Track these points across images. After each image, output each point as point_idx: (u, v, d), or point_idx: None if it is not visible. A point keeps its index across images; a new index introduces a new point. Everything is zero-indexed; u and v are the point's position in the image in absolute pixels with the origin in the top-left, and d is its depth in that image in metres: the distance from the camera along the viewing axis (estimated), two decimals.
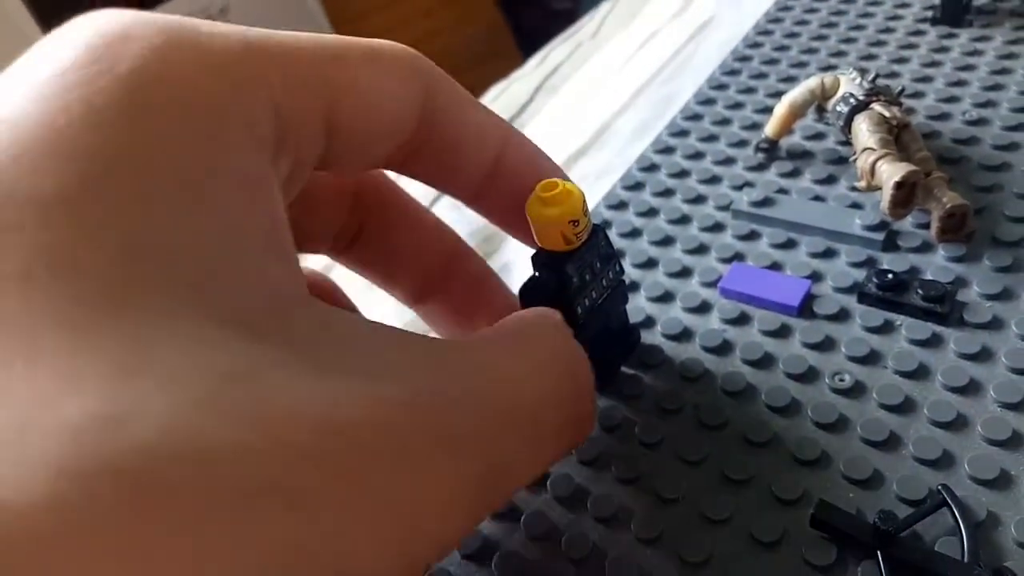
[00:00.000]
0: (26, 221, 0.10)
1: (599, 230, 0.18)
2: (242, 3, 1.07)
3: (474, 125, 0.17)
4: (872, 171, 0.22)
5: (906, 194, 0.22)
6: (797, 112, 0.26)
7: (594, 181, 0.30)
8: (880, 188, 0.22)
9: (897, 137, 0.24)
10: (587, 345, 0.20)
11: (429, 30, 1.24)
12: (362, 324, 0.13)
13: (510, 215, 0.18)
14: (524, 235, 0.19)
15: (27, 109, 0.11)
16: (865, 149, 0.23)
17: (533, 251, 0.18)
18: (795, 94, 0.26)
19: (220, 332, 0.10)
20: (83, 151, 0.10)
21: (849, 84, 0.25)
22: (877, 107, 0.24)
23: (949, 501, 0.17)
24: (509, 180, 0.17)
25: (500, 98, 0.38)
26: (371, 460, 0.11)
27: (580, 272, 0.18)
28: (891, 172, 0.22)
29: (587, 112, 0.34)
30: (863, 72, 0.25)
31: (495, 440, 0.13)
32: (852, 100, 0.24)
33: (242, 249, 0.11)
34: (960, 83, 0.29)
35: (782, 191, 0.26)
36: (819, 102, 0.26)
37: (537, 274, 0.18)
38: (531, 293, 0.18)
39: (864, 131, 0.23)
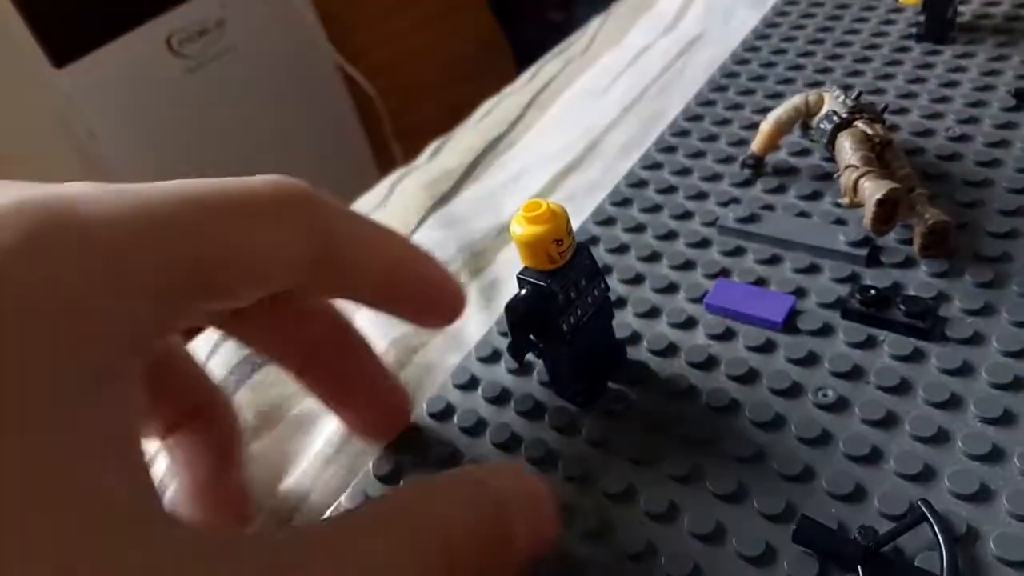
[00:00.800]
0: None
1: (583, 248, 0.19)
2: (238, 17, 1.07)
3: (369, 258, 0.17)
4: (855, 188, 0.23)
5: (888, 211, 0.22)
6: (782, 129, 0.27)
7: (583, 197, 0.30)
8: (863, 205, 0.22)
9: (880, 154, 0.24)
10: (574, 361, 0.20)
11: (425, 43, 1.24)
12: (196, 543, 0.12)
13: (414, 312, 0.19)
14: (437, 322, 0.19)
15: None
16: (848, 166, 0.23)
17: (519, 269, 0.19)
18: (780, 111, 0.26)
19: (25, 554, 0.10)
20: None
21: (833, 102, 0.25)
22: (860, 124, 0.24)
23: (929, 516, 0.17)
24: (405, 287, 0.18)
25: (492, 113, 0.38)
26: None
27: (565, 290, 0.18)
28: (873, 189, 0.22)
29: (577, 128, 0.34)
30: (847, 90, 0.25)
31: None
32: (835, 118, 0.24)
33: (68, 464, 0.11)
34: (943, 99, 0.29)
35: (768, 207, 0.26)
36: (804, 119, 0.26)
37: (523, 292, 0.18)
38: (516, 310, 0.19)
39: (847, 148, 0.24)
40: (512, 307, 0.19)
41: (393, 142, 1.20)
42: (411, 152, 0.38)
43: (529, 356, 0.21)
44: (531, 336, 0.19)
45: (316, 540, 0.13)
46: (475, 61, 1.25)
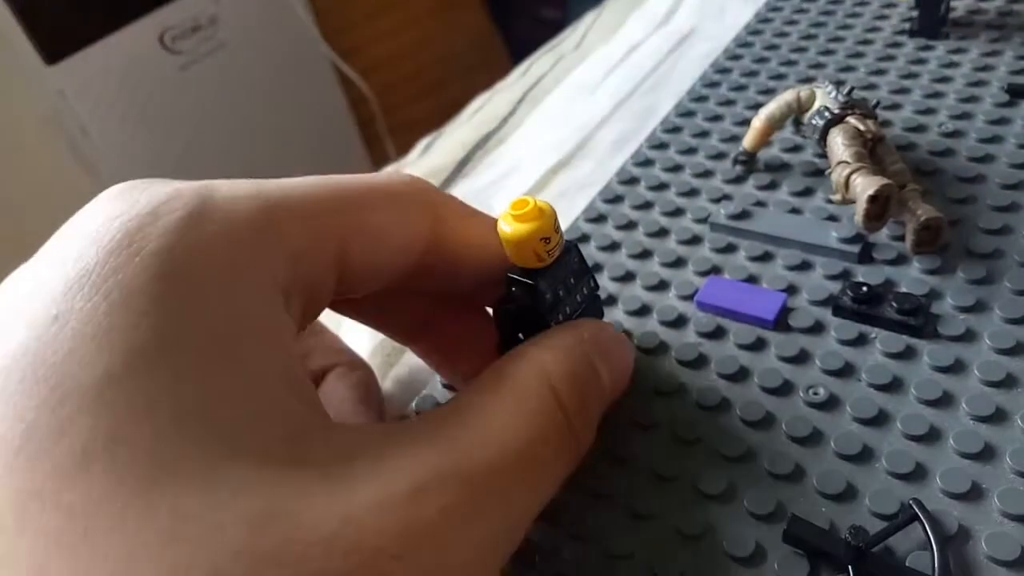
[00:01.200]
0: (84, 407, 0.11)
1: (572, 247, 0.18)
2: (231, 13, 1.07)
3: (478, 244, 0.18)
4: (847, 184, 0.23)
5: (880, 207, 0.22)
6: (774, 125, 0.26)
7: (575, 193, 0.30)
8: (855, 201, 0.22)
9: (872, 150, 0.24)
10: None
11: (419, 39, 1.24)
12: (369, 434, 0.14)
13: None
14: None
15: (74, 303, 0.12)
16: (840, 163, 0.23)
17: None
18: (772, 108, 0.26)
19: (248, 475, 0.12)
20: (122, 336, 0.12)
21: (824, 97, 0.25)
22: (852, 120, 0.24)
23: (920, 515, 0.17)
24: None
25: (483, 109, 0.38)
26: (390, 564, 0.12)
27: (553, 288, 0.18)
28: (865, 185, 0.22)
29: (568, 124, 0.34)
30: (839, 85, 0.25)
31: (502, 498, 0.14)
32: (827, 114, 0.24)
33: (263, 393, 0.13)
34: (936, 95, 0.29)
35: (759, 203, 0.26)
36: (796, 115, 0.26)
37: (513, 290, 0.18)
38: (505, 310, 0.18)
39: (839, 144, 0.23)
40: (502, 307, 0.19)
41: (387, 138, 1.20)
42: (405, 148, 0.38)
43: None
44: (520, 335, 0.19)
45: (456, 415, 0.15)
46: (468, 58, 1.24)
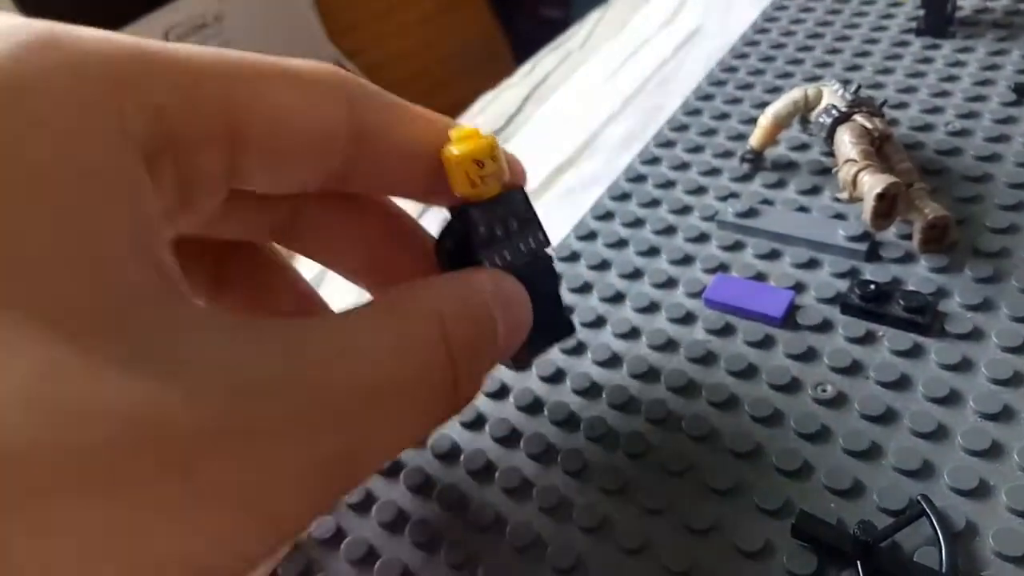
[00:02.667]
0: None
1: (519, 192, 0.18)
2: (237, 11, 1.07)
3: (409, 137, 0.17)
4: (854, 183, 0.23)
5: (887, 206, 0.22)
6: (781, 124, 0.27)
7: (582, 191, 0.30)
8: (862, 200, 0.22)
9: (879, 148, 0.24)
10: None
11: (424, 39, 1.24)
12: (216, 320, 0.13)
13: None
14: None
15: None
16: (847, 161, 0.23)
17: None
18: (779, 106, 0.26)
19: (47, 332, 0.11)
20: None
21: (832, 96, 0.25)
22: (859, 118, 0.24)
23: (928, 511, 0.17)
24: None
25: (489, 107, 0.38)
26: (189, 452, 0.11)
27: (488, 222, 0.17)
28: (872, 184, 0.22)
29: (576, 122, 0.34)
30: (846, 84, 0.25)
31: (346, 424, 0.13)
32: (834, 112, 0.24)
33: (91, 252, 0.11)
34: (943, 94, 0.29)
35: (767, 202, 0.26)
36: (802, 113, 0.26)
37: (449, 221, 0.18)
38: (441, 242, 0.18)
39: (846, 143, 0.23)
40: (438, 239, 0.18)
41: None
42: None
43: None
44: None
45: (328, 330, 0.14)
46: (473, 57, 1.24)
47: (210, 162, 0.14)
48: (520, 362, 0.20)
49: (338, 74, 0.16)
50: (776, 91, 0.31)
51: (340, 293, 0.26)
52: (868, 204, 0.22)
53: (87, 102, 0.12)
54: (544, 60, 0.40)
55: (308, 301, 0.20)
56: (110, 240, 0.12)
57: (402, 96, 0.17)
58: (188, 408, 0.11)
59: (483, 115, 0.38)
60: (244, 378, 0.12)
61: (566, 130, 0.34)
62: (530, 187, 0.32)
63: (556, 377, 0.22)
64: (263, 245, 0.20)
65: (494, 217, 0.17)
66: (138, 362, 0.11)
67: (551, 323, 0.20)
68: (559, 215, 0.29)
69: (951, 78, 0.30)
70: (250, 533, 0.12)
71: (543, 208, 0.30)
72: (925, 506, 0.17)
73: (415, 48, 1.24)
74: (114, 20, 0.96)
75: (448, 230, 0.18)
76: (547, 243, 0.18)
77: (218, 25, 1.07)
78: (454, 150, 0.16)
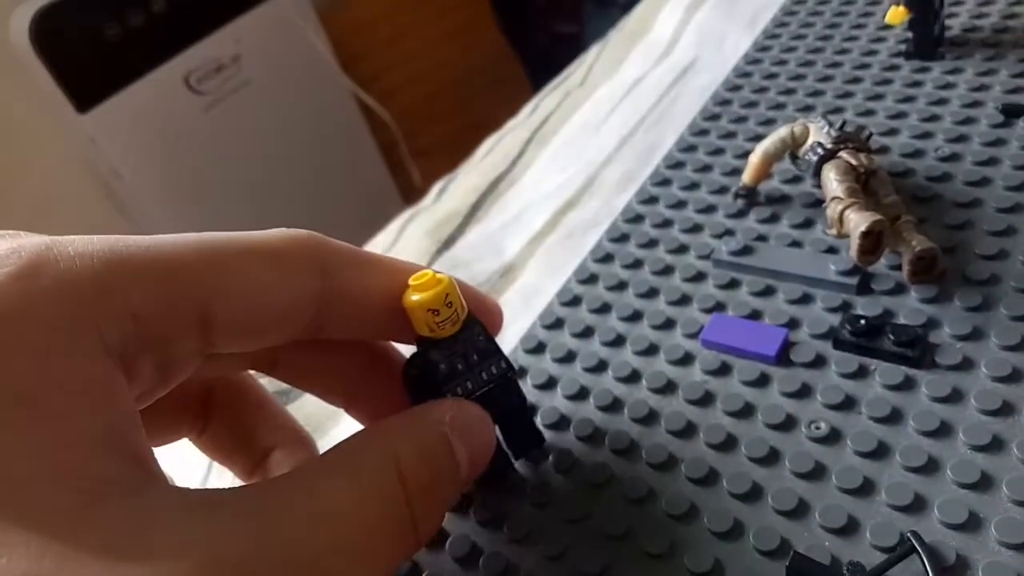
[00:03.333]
0: None
1: (476, 324, 0.19)
2: (253, 52, 1.10)
3: (378, 291, 0.18)
4: (841, 220, 0.23)
5: (873, 242, 0.23)
6: (771, 161, 0.27)
7: (582, 234, 0.31)
8: (850, 236, 0.23)
9: (865, 183, 0.25)
10: None
11: (436, 63, 1.26)
12: (188, 500, 0.14)
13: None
14: None
15: None
16: (833, 198, 0.24)
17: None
18: (767, 143, 0.27)
19: (33, 538, 0.12)
20: None
21: (817, 133, 0.26)
22: (844, 155, 0.25)
23: (918, 548, 0.17)
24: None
25: (494, 151, 0.39)
26: None
27: (449, 360, 0.19)
28: (858, 222, 0.23)
29: (575, 163, 0.35)
30: (831, 121, 0.26)
31: None
32: (820, 150, 0.25)
33: (66, 453, 0.13)
34: (933, 118, 0.30)
35: (761, 237, 0.27)
36: (791, 150, 0.27)
37: (412, 356, 0.20)
38: (407, 374, 0.20)
39: (832, 180, 0.24)
40: (404, 372, 0.20)
41: (410, 163, 1.22)
42: (428, 172, 0.40)
43: None
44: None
45: (285, 488, 0.15)
46: (486, 77, 1.26)
47: (184, 348, 0.16)
48: (489, 479, 0.21)
49: (311, 241, 0.17)
50: (769, 123, 0.32)
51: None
52: (854, 242, 0.23)
53: (66, 322, 0.14)
54: (546, 100, 0.42)
55: (289, 432, 0.22)
56: (86, 444, 0.13)
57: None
58: None
59: (489, 157, 0.39)
60: (217, 556, 0.13)
61: (567, 172, 0.35)
62: (533, 229, 0.33)
63: (560, 424, 0.23)
64: (245, 381, 0.21)
65: (454, 354, 0.19)
66: (113, 552, 0.12)
67: (520, 438, 0.22)
68: (561, 258, 0.30)
69: (940, 101, 0.30)
70: None
71: (546, 251, 0.32)
72: (915, 543, 0.17)
73: (427, 72, 1.26)
74: (136, 67, 1.00)
75: (412, 362, 0.20)
76: (509, 367, 0.20)
77: (235, 66, 1.10)
78: (413, 297, 0.18)
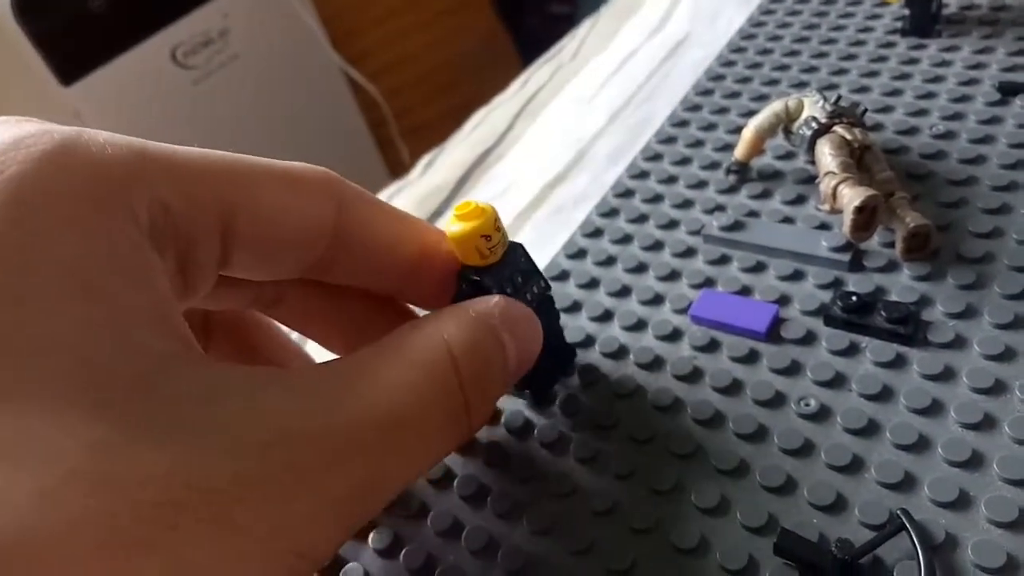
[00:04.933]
0: None
1: (518, 247, 0.20)
2: (241, 26, 1.08)
3: (388, 235, 0.18)
4: (834, 195, 0.23)
5: (867, 218, 0.22)
6: (764, 136, 0.27)
7: (571, 209, 0.30)
8: (843, 211, 0.23)
9: (860, 159, 0.24)
10: None
11: (428, 42, 1.25)
12: (235, 376, 0.14)
13: (434, 303, 0.20)
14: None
15: None
16: (827, 173, 0.23)
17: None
18: (761, 118, 0.27)
19: (88, 409, 0.12)
20: None
21: (812, 107, 0.25)
22: (839, 130, 0.24)
23: (907, 525, 0.17)
24: (430, 276, 0.19)
25: (482, 124, 0.38)
26: (228, 506, 0.12)
27: (499, 284, 0.19)
28: (851, 197, 0.22)
29: (565, 138, 0.34)
30: (826, 95, 0.25)
31: (365, 458, 0.14)
32: (814, 124, 0.25)
33: (121, 327, 0.13)
34: (928, 95, 0.29)
35: (752, 213, 0.26)
36: (784, 125, 0.27)
37: (462, 287, 0.19)
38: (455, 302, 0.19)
39: (826, 155, 0.24)
40: (454, 301, 0.19)
41: (400, 142, 1.21)
42: (417, 151, 0.39)
43: None
44: None
45: (342, 372, 0.15)
46: (478, 58, 1.25)
47: (205, 254, 0.16)
48: (539, 396, 0.22)
49: (328, 175, 0.17)
50: (763, 99, 0.31)
51: None
52: (847, 217, 0.22)
53: (102, 200, 0.14)
54: (537, 74, 0.41)
55: (294, 353, 0.22)
56: (134, 316, 0.13)
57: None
58: (224, 465, 0.12)
59: (477, 131, 0.38)
60: (271, 430, 0.13)
61: (556, 146, 0.34)
62: (521, 204, 0.32)
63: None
64: (396, 304, 0.21)
65: (503, 278, 0.19)
66: (174, 427, 0.12)
67: (560, 353, 0.22)
68: (549, 232, 0.30)
69: (936, 79, 0.30)
70: (283, 571, 0.13)
71: (534, 225, 0.31)
72: (904, 520, 0.17)
73: (419, 52, 1.24)
74: (122, 41, 0.98)
75: (461, 293, 0.19)
76: (548, 287, 0.20)
77: (223, 41, 1.09)
78: (461, 226, 0.18)
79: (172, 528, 0.11)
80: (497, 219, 0.18)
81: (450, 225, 0.18)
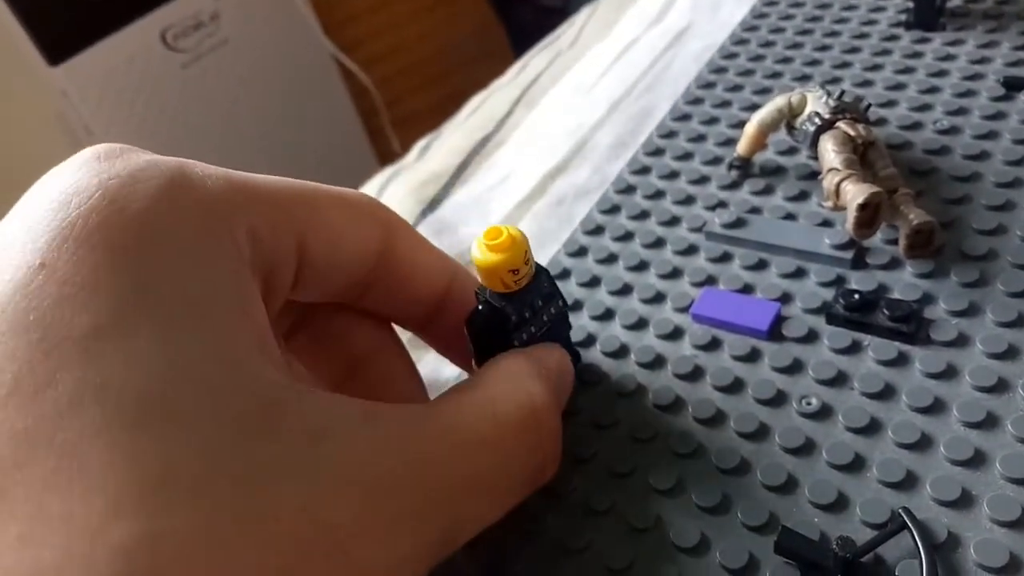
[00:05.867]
0: (73, 357, 0.12)
1: (542, 272, 0.19)
2: (232, 10, 1.07)
3: (424, 265, 0.19)
4: (837, 192, 0.23)
5: (870, 215, 0.22)
6: (766, 131, 0.27)
7: (573, 201, 0.30)
8: (846, 208, 0.22)
9: (863, 155, 0.24)
10: None
11: (420, 32, 1.23)
12: (343, 411, 0.15)
13: (452, 343, 0.21)
14: (462, 360, 0.21)
15: (60, 253, 0.13)
16: (830, 169, 0.23)
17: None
18: (763, 113, 0.26)
19: (226, 437, 0.13)
20: (108, 291, 0.13)
21: (815, 102, 0.25)
22: (842, 125, 0.24)
23: (909, 524, 0.17)
24: (453, 314, 0.20)
25: (480, 110, 0.38)
26: (349, 541, 0.13)
27: (519, 311, 0.19)
28: (855, 193, 0.22)
29: (565, 126, 0.34)
30: (829, 90, 0.25)
31: (453, 507, 0.15)
32: (817, 119, 0.24)
33: (239, 359, 0.14)
34: (932, 90, 0.29)
35: (755, 210, 0.26)
36: (787, 120, 0.26)
37: (479, 308, 0.19)
38: (473, 326, 0.20)
39: (829, 151, 0.24)
40: (470, 324, 0.20)
41: (391, 131, 1.20)
42: (408, 141, 0.39)
43: None
44: (490, 347, 0.20)
45: (436, 421, 0.16)
46: (470, 48, 1.24)
47: (282, 278, 0.17)
48: None
49: (375, 201, 0.19)
50: (765, 92, 0.31)
51: None
52: (851, 214, 0.22)
53: (212, 233, 0.15)
54: (535, 60, 0.40)
55: (381, 335, 0.21)
56: (254, 351, 0.14)
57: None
58: (343, 504, 0.13)
59: (474, 117, 0.38)
60: (373, 475, 0.14)
61: (556, 135, 0.34)
62: (521, 194, 0.32)
63: None
64: (398, 350, 0.21)
65: (523, 305, 0.19)
66: (298, 464, 0.13)
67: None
68: (550, 226, 0.29)
69: (940, 73, 0.30)
70: None
71: (535, 217, 0.31)
72: (906, 519, 0.17)
73: (412, 41, 1.23)
74: (111, 21, 0.96)
75: (479, 314, 0.19)
76: (565, 304, 0.20)
77: (214, 24, 1.07)
78: (489, 256, 0.18)
79: (305, 559, 0.12)
80: (527, 251, 0.18)
81: (478, 251, 0.18)
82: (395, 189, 0.34)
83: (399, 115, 1.20)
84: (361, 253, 0.18)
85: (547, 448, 0.17)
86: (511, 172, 0.33)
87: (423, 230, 0.31)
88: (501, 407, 0.17)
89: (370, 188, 0.35)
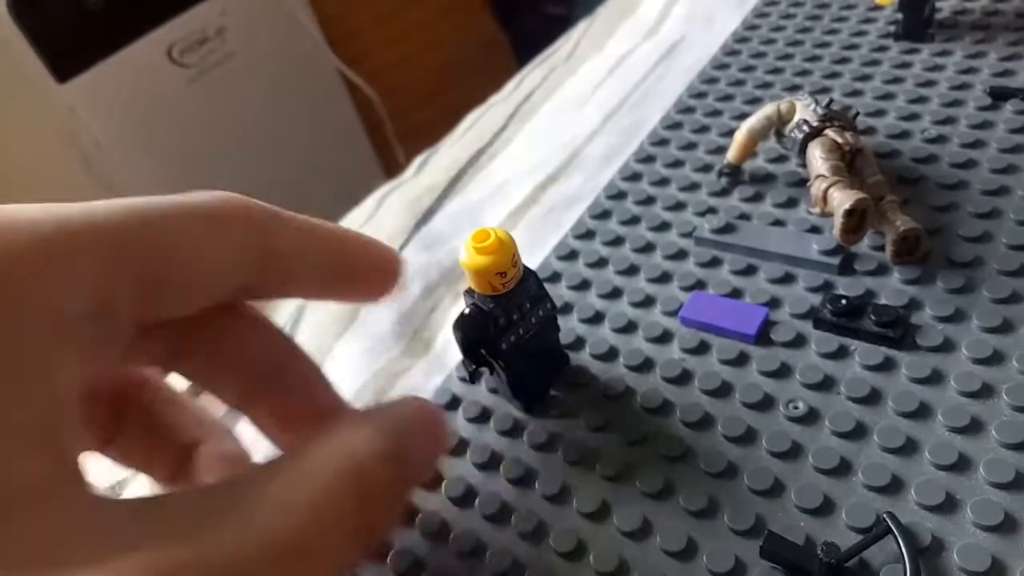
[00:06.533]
0: None
1: (530, 276, 0.19)
2: (238, 25, 1.08)
3: (311, 251, 0.18)
4: (824, 198, 0.23)
5: (857, 221, 0.22)
6: (756, 139, 0.27)
7: (563, 209, 0.30)
8: (833, 214, 0.23)
9: (851, 162, 0.24)
10: (515, 374, 0.21)
11: (425, 44, 1.25)
12: (115, 508, 0.13)
13: (359, 285, 0.19)
14: (379, 290, 0.19)
15: None
16: (818, 176, 0.23)
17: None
18: (753, 121, 0.27)
19: None
20: None
21: (804, 110, 0.25)
22: (830, 133, 0.24)
23: (893, 528, 0.17)
24: (347, 262, 0.19)
25: (476, 125, 0.38)
26: None
27: (507, 313, 0.19)
28: (842, 200, 0.22)
29: (558, 138, 0.34)
30: (817, 99, 0.25)
31: None
32: (805, 127, 0.25)
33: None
34: (920, 100, 0.29)
35: (744, 216, 0.26)
36: (777, 128, 0.27)
37: (466, 311, 0.19)
38: (461, 329, 0.20)
39: (817, 158, 0.24)
40: (457, 326, 0.20)
41: (396, 144, 1.21)
42: (413, 153, 0.39)
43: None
44: (481, 351, 0.20)
45: (234, 489, 0.14)
46: (475, 60, 1.25)
47: (123, 310, 0.15)
48: (531, 405, 0.22)
49: (246, 206, 0.17)
50: (756, 102, 0.31)
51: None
52: (838, 220, 0.22)
53: (10, 299, 0.13)
54: (530, 76, 0.41)
55: (210, 425, 0.20)
56: (13, 437, 0.12)
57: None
58: None
59: (470, 132, 0.38)
60: (148, 566, 0.12)
61: (549, 147, 0.34)
62: (513, 203, 0.32)
63: None
64: (151, 379, 0.20)
65: (511, 307, 0.19)
66: (22, 564, 0.12)
67: (552, 366, 0.22)
68: (542, 233, 0.30)
69: (928, 83, 0.30)
70: None
71: (527, 225, 0.31)
72: (890, 523, 0.17)
73: (416, 53, 1.24)
74: (118, 38, 0.98)
75: (466, 318, 0.19)
76: (554, 307, 0.21)
77: (220, 39, 1.08)
78: (477, 259, 0.18)
79: None
80: (515, 254, 0.18)
81: (465, 254, 0.18)
82: (391, 203, 0.34)
83: (404, 128, 1.21)
84: (230, 263, 0.16)
85: (374, 507, 0.15)
86: (504, 182, 0.33)
87: (416, 244, 0.31)
88: (318, 467, 0.15)
89: (368, 203, 0.36)
